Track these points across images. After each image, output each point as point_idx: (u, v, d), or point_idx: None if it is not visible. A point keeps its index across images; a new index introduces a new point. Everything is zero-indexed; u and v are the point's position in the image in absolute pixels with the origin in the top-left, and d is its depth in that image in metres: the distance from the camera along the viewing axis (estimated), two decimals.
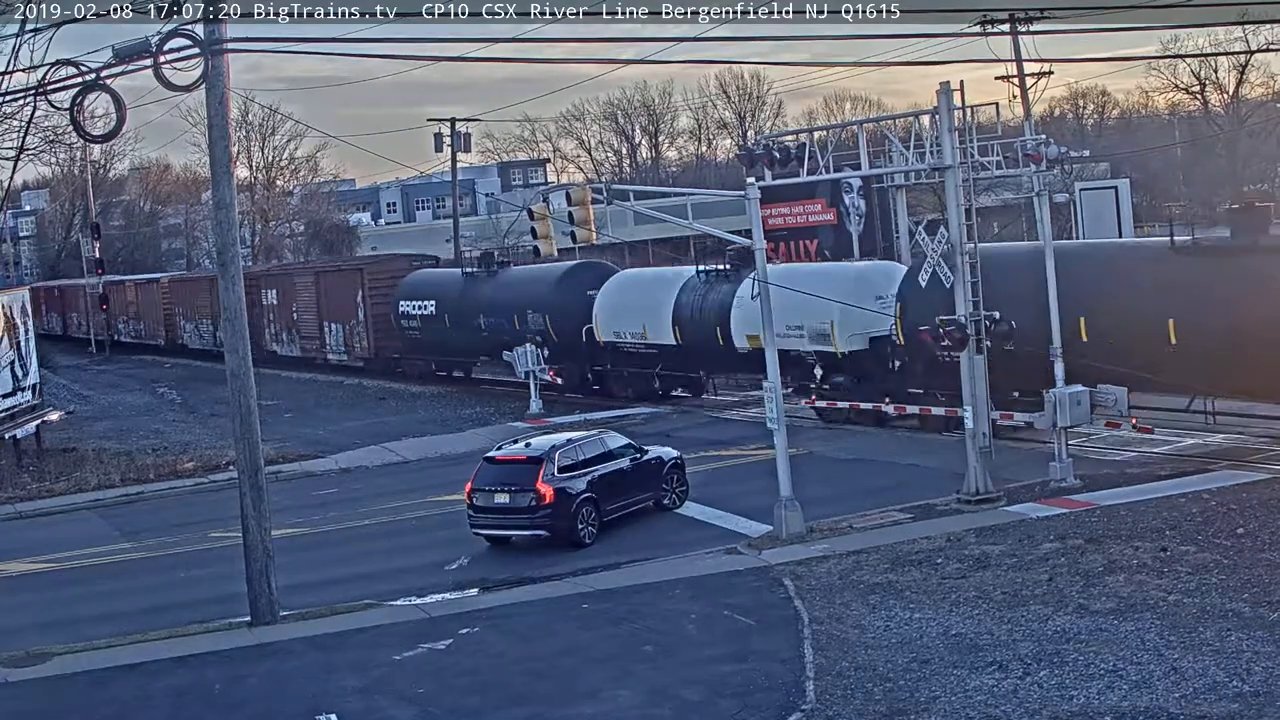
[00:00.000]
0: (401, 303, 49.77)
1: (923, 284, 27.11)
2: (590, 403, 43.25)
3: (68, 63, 19.95)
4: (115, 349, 76.40)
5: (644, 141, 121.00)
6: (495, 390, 47.41)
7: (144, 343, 74.82)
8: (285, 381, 56.04)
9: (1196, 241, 28.14)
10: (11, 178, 45.25)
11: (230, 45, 21.12)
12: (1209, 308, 26.85)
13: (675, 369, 41.00)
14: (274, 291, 59.75)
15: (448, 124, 68.30)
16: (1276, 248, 26.96)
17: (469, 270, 47.74)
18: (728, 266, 38.18)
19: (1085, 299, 28.21)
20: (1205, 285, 27.13)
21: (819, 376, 35.46)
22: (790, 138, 28.63)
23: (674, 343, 39.01)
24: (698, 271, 39.25)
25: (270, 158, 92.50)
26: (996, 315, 26.45)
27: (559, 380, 42.23)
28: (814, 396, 35.90)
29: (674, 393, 42.26)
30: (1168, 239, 28.57)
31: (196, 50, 20.02)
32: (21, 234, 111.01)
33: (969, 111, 27.56)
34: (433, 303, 48.25)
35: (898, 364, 33.88)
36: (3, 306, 39.71)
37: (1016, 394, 29.43)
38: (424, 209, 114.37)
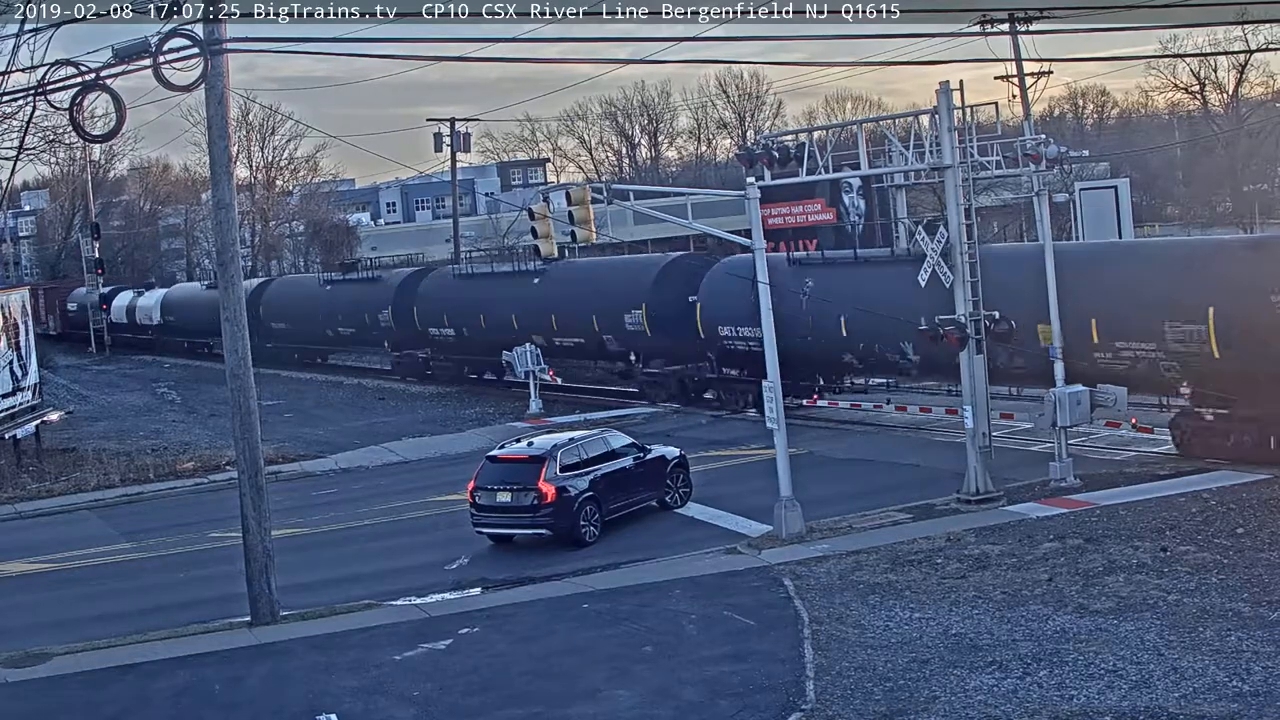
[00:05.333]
0: (69, 304, 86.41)
1: (922, 283, 27.08)
2: (584, 401, 43.75)
3: (67, 63, 19.91)
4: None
5: (644, 141, 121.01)
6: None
7: None
8: (285, 382, 56.19)
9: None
10: (11, 178, 45.14)
11: (230, 45, 21.12)
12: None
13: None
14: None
15: (447, 124, 68.29)
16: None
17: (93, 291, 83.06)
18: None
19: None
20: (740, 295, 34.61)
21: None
22: (790, 138, 28.54)
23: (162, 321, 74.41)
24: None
25: (270, 158, 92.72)
26: (996, 314, 26.45)
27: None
28: (817, 394, 36.20)
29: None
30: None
31: (196, 50, 19.98)
32: (21, 234, 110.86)
33: (968, 111, 27.55)
34: (75, 304, 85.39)
35: None
36: (2, 306, 39.69)
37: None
38: (424, 209, 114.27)
